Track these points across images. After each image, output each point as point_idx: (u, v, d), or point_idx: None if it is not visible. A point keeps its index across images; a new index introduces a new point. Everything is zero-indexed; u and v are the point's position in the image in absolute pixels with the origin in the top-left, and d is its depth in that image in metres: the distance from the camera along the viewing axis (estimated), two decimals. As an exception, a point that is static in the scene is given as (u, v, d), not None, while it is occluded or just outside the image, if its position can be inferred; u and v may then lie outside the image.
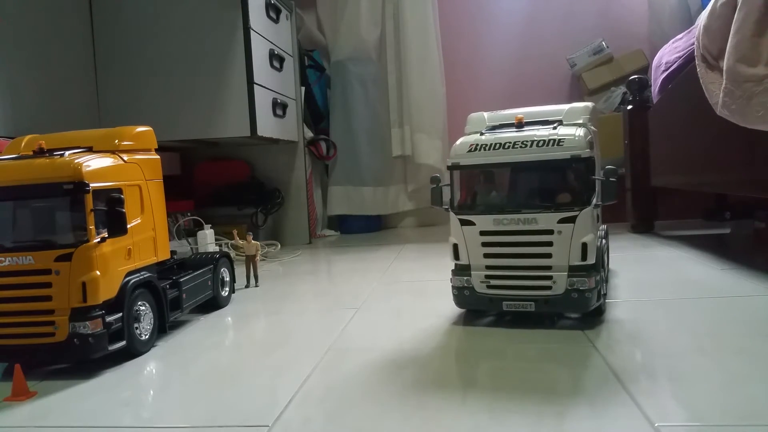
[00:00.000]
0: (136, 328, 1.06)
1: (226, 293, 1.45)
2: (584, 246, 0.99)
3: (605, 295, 1.12)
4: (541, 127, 1.05)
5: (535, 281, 1.03)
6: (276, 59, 2.32)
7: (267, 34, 2.24)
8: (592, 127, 1.11)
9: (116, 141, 1.12)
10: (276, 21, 2.37)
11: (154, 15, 2.10)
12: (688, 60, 1.66)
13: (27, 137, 1.15)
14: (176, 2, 2.10)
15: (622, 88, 2.63)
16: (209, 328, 1.26)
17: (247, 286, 1.65)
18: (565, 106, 1.12)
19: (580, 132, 1.00)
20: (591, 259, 1.00)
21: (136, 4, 2.11)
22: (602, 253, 1.11)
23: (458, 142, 1.08)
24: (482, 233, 1.05)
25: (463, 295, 1.09)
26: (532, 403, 0.75)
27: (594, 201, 1.01)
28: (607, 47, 2.81)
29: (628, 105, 2.30)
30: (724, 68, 1.22)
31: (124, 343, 1.02)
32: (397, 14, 2.98)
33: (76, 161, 0.98)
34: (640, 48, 2.80)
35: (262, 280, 1.69)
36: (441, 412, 0.75)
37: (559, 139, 0.99)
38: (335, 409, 0.77)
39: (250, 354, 1.08)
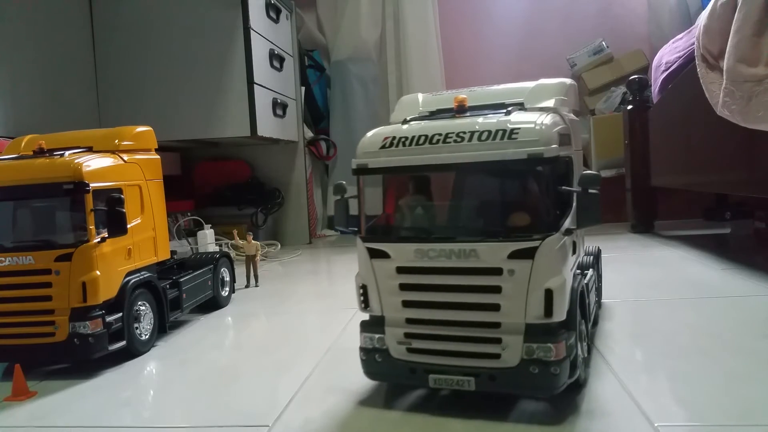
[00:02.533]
0: (136, 328, 1.06)
1: (226, 293, 1.45)
2: (549, 294, 0.66)
3: (587, 357, 0.80)
4: (489, 112, 0.74)
5: (476, 346, 0.70)
6: (276, 59, 2.32)
7: (267, 34, 2.24)
8: (570, 115, 0.82)
9: (116, 141, 1.12)
10: (276, 21, 2.37)
11: (154, 15, 2.10)
12: (688, 60, 1.66)
13: (27, 137, 1.15)
14: (176, 2, 2.09)
15: (622, 88, 2.62)
16: (209, 328, 1.26)
17: (247, 286, 1.65)
18: (531, 84, 0.83)
19: (544, 119, 0.69)
20: (559, 315, 0.67)
21: (136, 4, 2.10)
22: (585, 295, 0.79)
23: (370, 134, 0.76)
24: (400, 271, 0.72)
25: (373, 360, 0.75)
26: None
27: (565, 224, 0.69)
28: (607, 47, 2.81)
29: (628, 105, 2.30)
30: (725, 68, 1.22)
31: (124, 343, 1.02)
32: (397, 14, 2.97)
33: (76, 161, 0.98)
34: (640, 48, 2.79)
35: (262, 280, 1.69)
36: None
37: (512, 130, 0.68)
38: (335, 409, 0.77)
39: (250, 354, 1.08)
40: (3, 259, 0.97)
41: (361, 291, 0.76)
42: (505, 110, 0.73)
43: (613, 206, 2.44)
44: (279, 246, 2.37)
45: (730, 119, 1.23)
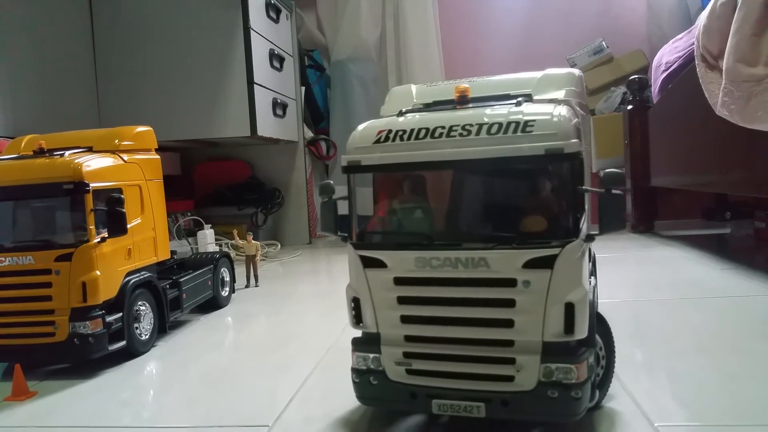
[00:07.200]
0: (136, 328, 1.06)
1: (226, 293, 1.45)
2: (570, 309, 0.59)
3: (604, 368, 0.71)
4: (496, 103, 0.66)
5: (486, 367, 0.63)
6: (276, 59, 2.32)
7: (267, 34, 2.24)
8: (580, 110, 0.72)
9: (116, 141, 1.12)
10: (276, 21, 2.37)
11: (154, 15, 2.10)
12: (688, 60, 1.67)
13: (27, 137, 1.15)
14: (176, 2, 2.09)
15: (622, 88, 2.62)
16: (209, 328, 1.26)
17: (247, 286, 1.65)
18: (538, 74, 0.74)
19: (561, 111, 0.61)
20: (581, 331, 0.60)
21: (136, 4, 2.11)
22: (594, 307, 0.72)
23: (361, 127, 0.68)
24: (398, 282, 0.65)
25: (367, 383, 0.67)
26: None
27: (584, 229, 0.62)
28: (607, 47, 2.81)
29: (628, 105, 2.30)
30: (724, 68, 1.22)
31: (124, 343, 1.02)
32: (397, 14, 2.98)
33: (76, 161, 0.98)
34: (640, 48, 2.79)
35: (262, 280, 1.69)
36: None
37: (527, 122, 0.60)
38: (335, 409, 0.77)
39: (250, 354, 1.08)
40: (3, 259, 0.97)
41: (353, 305, 0.68)
42: (514, 101, 0.65)
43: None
44: (279, 246, 2.37)
45: (729, 119, 1.23)
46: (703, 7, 1.84)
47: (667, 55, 1.93)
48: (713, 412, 0.69)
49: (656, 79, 2.05)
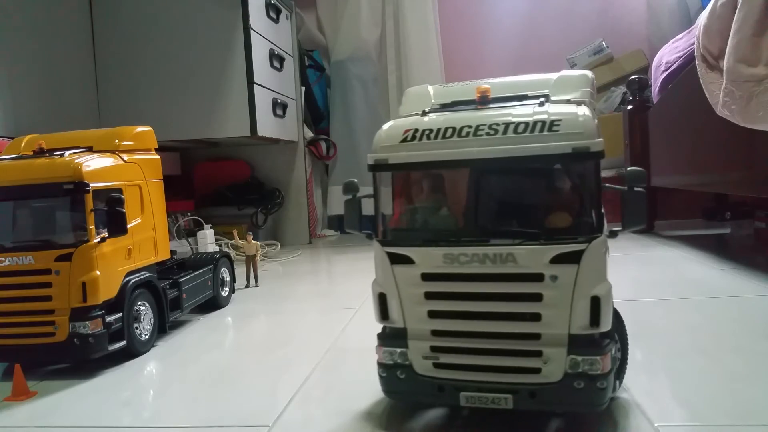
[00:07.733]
0: (136, 328, 1.06)
1: (226, 293, 1.45)
2: (596, 302, 0.61)
3: (620, 358, 0.71)
4: (518, 103, 0.68)
5: (513, 360, 0.64)
6: (276, 59, 2.32)
7: (267, 34, 2.24)
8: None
9: (116, 141, 1.12)
10: (276, 21, 2.37)
11: (154, 15, 2.10)
12: (688, 60, 1.67)
13: (27, 137, 1.15)
14: (176, 2, 2.09)
15: (622, 88, 2.63)
16: (209, 328, 1.26)
17: (247, 286, 1.65)
18: (553, 75, 0.75)
19: (585, 111, 0.63)
20: (606, 324, 0.62)
21: (136, 4, 2.10)
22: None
23: (386, 126, 0.70)
24: (425, 278, 0.66)
25: (394, 377, 0.69)
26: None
27: (607, 225, 0.65)
28: (607, 47, 2.81)
29: (628, 105, 2.30)
30: (724, 68, 1.22)
31: (124, 343, 1.02)
32: (397, 14, 2.98)
33: (76, 161, 0.98)
34: (640, 48, 2.80)
35: (262, 280, 1.69)
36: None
37: (553, 121, 0.62)
38: (335, 409, 0.77)
39: (250, 354, 1.08)
40: (3, 259, 0.97)
41: (380, 300, 0.69)
42: (537, 101, 0.67)
43: (613, 206, 2.45)
44: (279, 246, 2.37)
45: (730, 119, 1.23)
46: (703, 7, 1.84)
47: (667, 55, 1.94)
48: (713, 412, 0.69)
49: (656, 79, 2.05)
